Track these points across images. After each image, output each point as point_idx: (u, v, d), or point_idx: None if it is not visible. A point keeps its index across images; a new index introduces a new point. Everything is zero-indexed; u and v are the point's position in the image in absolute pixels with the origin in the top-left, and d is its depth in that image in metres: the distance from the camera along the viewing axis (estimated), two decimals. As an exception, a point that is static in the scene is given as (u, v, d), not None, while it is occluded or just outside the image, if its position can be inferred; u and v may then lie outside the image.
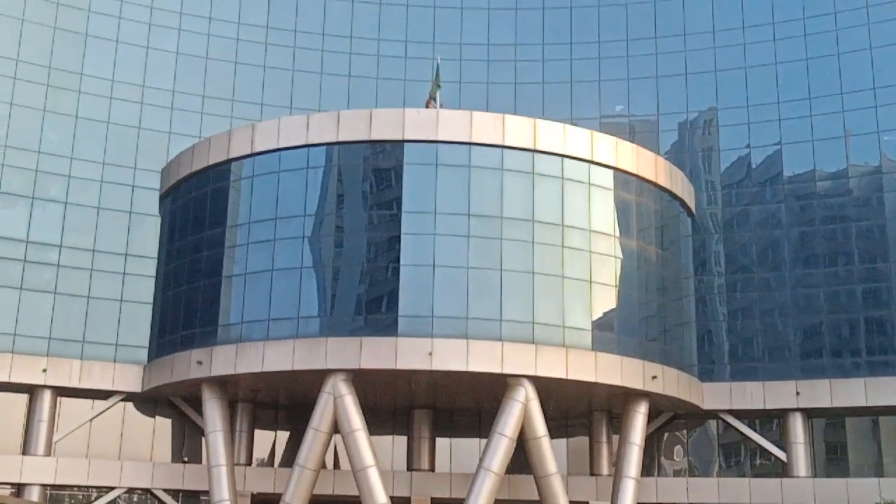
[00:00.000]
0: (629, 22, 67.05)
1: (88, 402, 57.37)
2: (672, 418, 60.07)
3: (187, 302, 55.04)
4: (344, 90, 66.14)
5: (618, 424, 56.69)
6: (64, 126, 59.64)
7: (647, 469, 58.62)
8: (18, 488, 54.62)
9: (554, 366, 49.47)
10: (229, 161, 54.88)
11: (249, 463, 58.89)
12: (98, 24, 61.81)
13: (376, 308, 51.38)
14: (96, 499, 56.27)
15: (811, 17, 62.76)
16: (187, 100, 62.92)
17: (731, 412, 58.85)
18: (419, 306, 49.76)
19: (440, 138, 52.06)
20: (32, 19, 59.92)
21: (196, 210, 56.46)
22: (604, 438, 59.74)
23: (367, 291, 51.94)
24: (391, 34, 67.93)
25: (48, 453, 55.50)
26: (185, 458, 58.07)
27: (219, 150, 55.28)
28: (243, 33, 65.48)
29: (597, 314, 52.11)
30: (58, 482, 55.25)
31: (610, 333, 52.15)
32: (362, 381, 49.95)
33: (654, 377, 52.76)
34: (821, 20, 62.45)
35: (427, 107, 57.07)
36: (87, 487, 56.35)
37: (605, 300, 52.85)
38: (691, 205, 60.95)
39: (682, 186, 59.40)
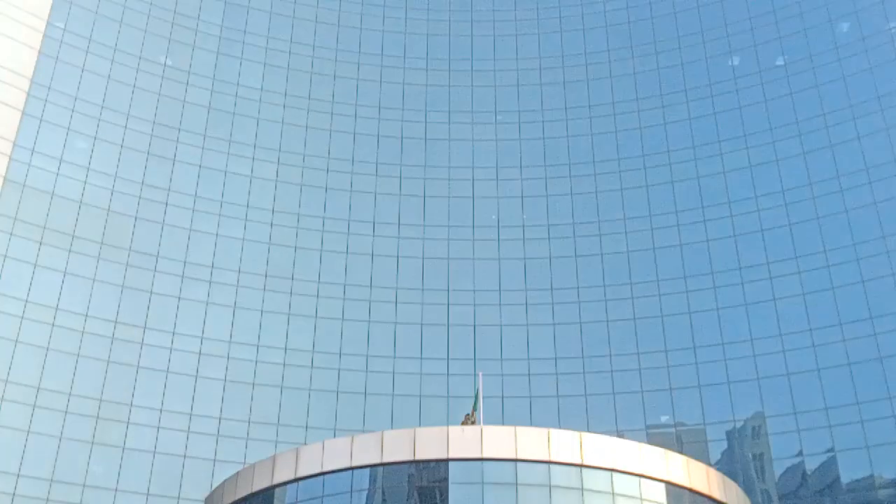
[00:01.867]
0: (666, 333, 68.11)
1: None
2: None
3: None
4: (388, 408, 66.57)
5: None
6: (110, 458, 60.08)
7: None
8: None
9: None
10: (273, 487, 54.07)
11: None
12: (150, 356, 64.06)
13: None
14: None
15: (848, 322, 63.53)
16: (233, 426, 63.60)
17: None
18: None
19: (485, 456, 51.18)
20: (87, 354, 62.25)
21: (238, 539, 54.97)
22: None
23: None
24: (433, 352, 69.34)
25: None
26: None
27: (262, 476, 54.76)
28: (289, 358, 67.27)
29: None
30: None
31: None
32: None
33: None
34: (858, 326, 63.14)
35: (464, 422, 56.82)
36: None
37: None
38: (749, 517, 58.49)
39: (737, 498, 57.19)
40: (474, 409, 56.93)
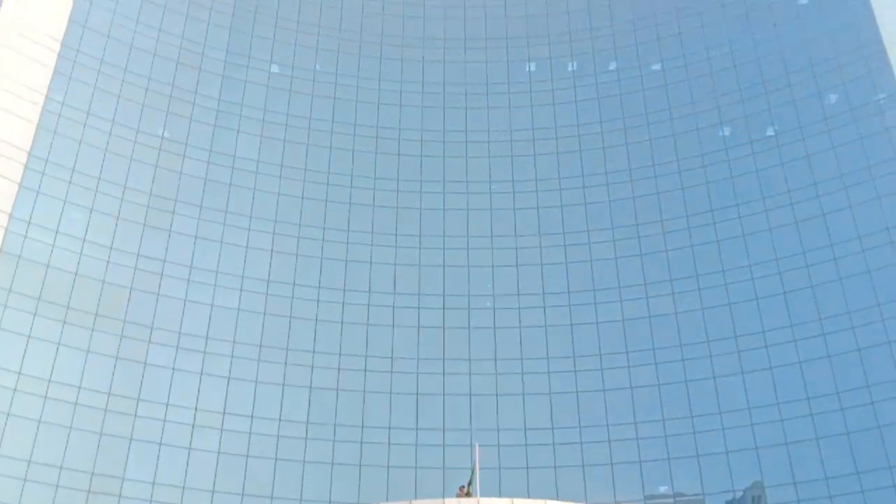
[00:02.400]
0: (663, 401, 67.77)
1: None
2: None
3: None
4: (383, 480, 65.83)
5: None
6: (101, 532, 59.15)
7: None
8: None
9: None
10: (266, 563, 53.37)
11: None
12: (143, 428, 63.51)
13: None
14: None
15: (845, 391, 63.31)
16: (227, 499, 62.74)
17: None
18: None
19: (482, 530, 50.60)
20: (80, 426, 61.70)
21: None
22: None
23: None
24: (429, 423, 68.82)
25: None
26: None
27: (256, 551, 54.04)
28: (283, 429, 66.68)
29: None
30: None
31: None
32: None
33: None
34: (856, 394, 62.96)
35: (459, 494, 56.13)
36: None
37: None
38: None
39: (738, 572, 56.47)
40: (470, 481, 56.29)
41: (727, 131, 76.51)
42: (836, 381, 63.90)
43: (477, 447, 59.56)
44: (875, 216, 68.03)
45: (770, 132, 74.96)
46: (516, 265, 75.72)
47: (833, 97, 73.67)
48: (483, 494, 54.87)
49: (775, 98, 75.86)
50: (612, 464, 66.40)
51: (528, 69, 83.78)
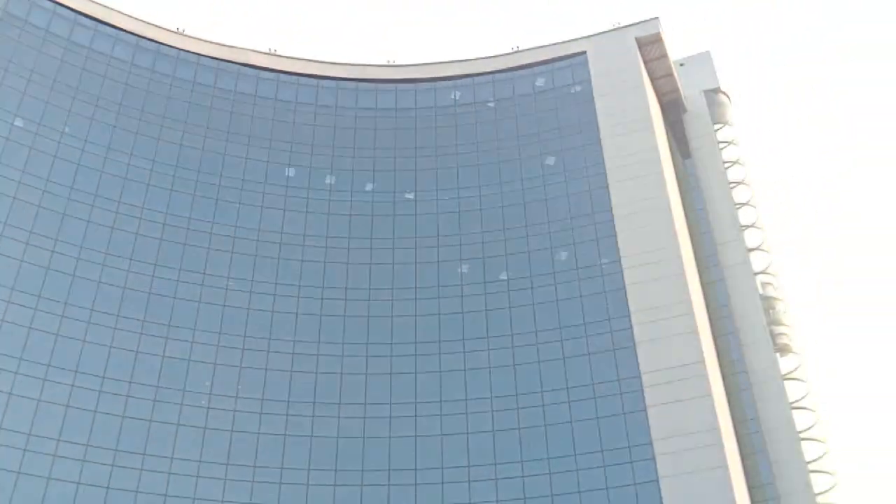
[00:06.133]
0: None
1: None
2: None
3: None
4: None
5: None
6: None
7: None
8: None
9: None
10: None
11: None
12: None
13: None
14: None
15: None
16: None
17: None
18: None
19: None
20: None
21: None
22: None
23: None
24: None
25: None
26: None
27: None
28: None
29: None
30: None
31: None
32: None
33: None
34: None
35: None
36: None
37: None
38: None
39: None
40: None
41: (465, 268, 79.66)
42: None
43: None
44: (583, 372, 72.32)
45: (503, 276, 78.77)
46: (240, 367, 73.93)
47: (563, 254, 78.66)
48: None
49: (512, 245, 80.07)
50: None
51: (286, 174, 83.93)
